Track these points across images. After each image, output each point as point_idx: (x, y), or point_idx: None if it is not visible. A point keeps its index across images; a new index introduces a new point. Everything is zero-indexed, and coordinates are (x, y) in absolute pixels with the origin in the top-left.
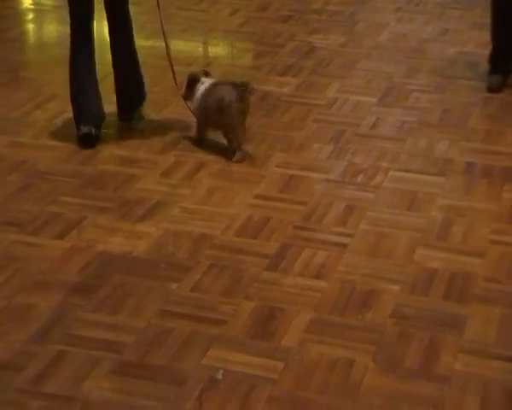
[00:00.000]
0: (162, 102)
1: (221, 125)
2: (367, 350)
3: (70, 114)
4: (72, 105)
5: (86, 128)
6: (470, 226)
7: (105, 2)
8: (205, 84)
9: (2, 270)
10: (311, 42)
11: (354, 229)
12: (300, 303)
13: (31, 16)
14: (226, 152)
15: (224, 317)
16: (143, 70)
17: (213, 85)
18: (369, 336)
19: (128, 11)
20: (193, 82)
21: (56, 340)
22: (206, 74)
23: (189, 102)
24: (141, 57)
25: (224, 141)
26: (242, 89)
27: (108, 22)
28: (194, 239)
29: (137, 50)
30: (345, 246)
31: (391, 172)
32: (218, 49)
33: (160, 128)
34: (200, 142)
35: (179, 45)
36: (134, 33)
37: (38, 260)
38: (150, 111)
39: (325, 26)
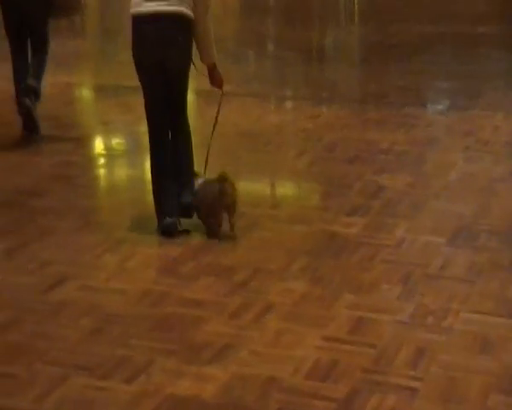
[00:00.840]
0: (230, 244)
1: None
2: None
3: (140, 256)
4: (154, 200)
5: (168, 219)
6: None
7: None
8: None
9: None
10: (379, 182)
11: (425, 373)
12: None
13: (102, 161)
14: (293, 293)
15: None
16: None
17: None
18: None
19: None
20: None
21: None
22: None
23: None
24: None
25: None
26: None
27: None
28: (263, 382)
29: None
30: (415, 390)
31: (461, 314)
32: (285, 190)
33: (228, 269)
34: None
35: (246, 187)
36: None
37: (107, 405)
38: (217, 253)
39: (392, 166)
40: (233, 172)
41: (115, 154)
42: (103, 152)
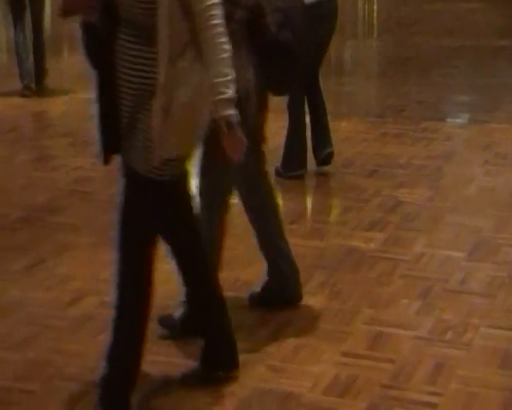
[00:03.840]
0: (248, 259)
1: None
2: None
3: (159, 271)
4: None
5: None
6: None
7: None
8: None
9: None
10: (397, 196)
11: (444, 388)
12: None
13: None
14: (311, 308)
15: None
16: (231, 228)
17: None
18: None
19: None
20: None
21: None
22: None
23: None
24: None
25: None
26: None
27: None
28: (281, 398)
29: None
30: (435, 406)
31: (481, 329)
32: (303, 205)
33: (246, 283)
34: None
35: None
36: None
37: None
38: (236, 269)
39: (411, 181)
40: None
41: None
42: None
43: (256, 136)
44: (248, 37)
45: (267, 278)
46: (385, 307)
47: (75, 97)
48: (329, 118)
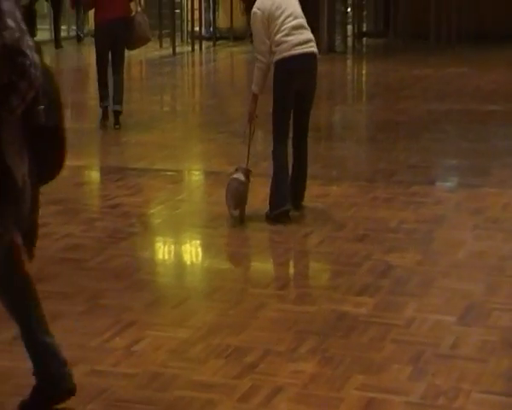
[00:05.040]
0: (239, 325)
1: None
2: None
3: (149, 339)
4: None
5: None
6: None
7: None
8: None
9: None
10: (388, 261)
11: None
12: None
13: (110, 244)
14: (303, 375)
15: None
16: (221, 294)
17: None
18: None
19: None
20: None
21: None
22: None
23: None
24: (219, 281)
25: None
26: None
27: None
28: None
29: (215, 274)
30: None
31: (473, 395)
32: (294, 270)
33: (238, 350)
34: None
35: (255, 267)
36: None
37: None
38: (226, 335)
39: (402, 245)
40: (241, 253)
41: (124, 236)
42: (112, 235)
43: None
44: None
45: (36, 380)
46: (377, 372)
47: (66, 164)
48: (319, 182)
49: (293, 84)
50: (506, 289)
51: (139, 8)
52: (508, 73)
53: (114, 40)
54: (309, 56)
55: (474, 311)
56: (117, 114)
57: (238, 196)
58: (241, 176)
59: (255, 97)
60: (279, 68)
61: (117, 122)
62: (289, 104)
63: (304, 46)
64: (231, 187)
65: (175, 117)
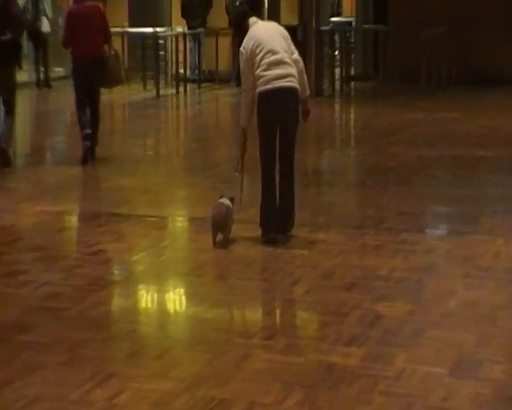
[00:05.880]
0: (224, 376)
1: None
2: None
3: (130, 391)
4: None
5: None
6: None
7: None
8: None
9: None
10: (377, 310)
11: None
12: None
13: (91, 292)
14: None
15: None
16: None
17: None
18: None
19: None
20: None
21: None
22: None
23: None
24: (203, 330)
25: None
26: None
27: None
28: None
29: (200, 323)
30: None
31: None
32: (281, 320)
33: (222, 403)
34: None
35: (242, 316)
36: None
37: None
38: (211, 386)
39: (391, 294)
40: (226, 300)
41: (105, 284)
42: (93, 282)
43: None
44: None
45: None
46: None
47: (43, 211)
48: (307, 229)
49: (271, 116)
50: (498, 340)
51: (112, 52)
52: (497, 117)
53: (89, 76)
54: (286, 90)
55: (465, 362)
56: (91, 148)
57: (221, 219)
58: (226, 200)
59: (244, 131)
60: (259, 100)
61: (92, 156)
62: (270, 133)
63: (281, 80)
64: (215, 211)
65: (158, 161)
